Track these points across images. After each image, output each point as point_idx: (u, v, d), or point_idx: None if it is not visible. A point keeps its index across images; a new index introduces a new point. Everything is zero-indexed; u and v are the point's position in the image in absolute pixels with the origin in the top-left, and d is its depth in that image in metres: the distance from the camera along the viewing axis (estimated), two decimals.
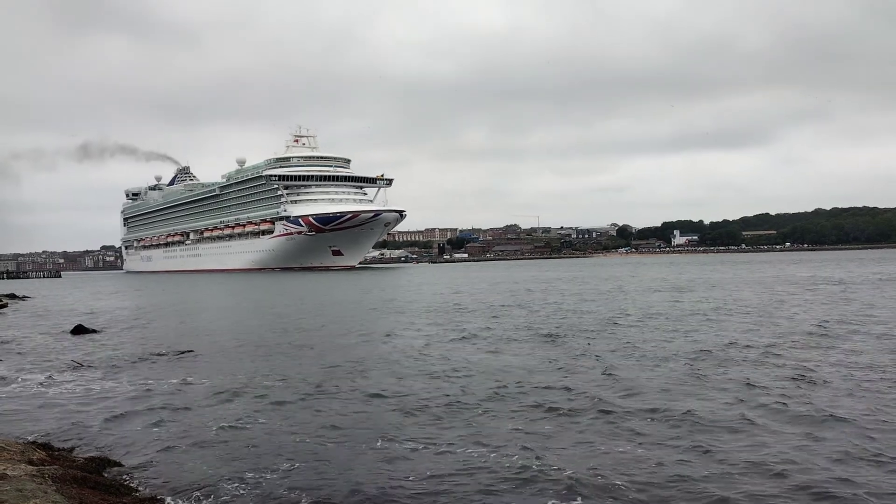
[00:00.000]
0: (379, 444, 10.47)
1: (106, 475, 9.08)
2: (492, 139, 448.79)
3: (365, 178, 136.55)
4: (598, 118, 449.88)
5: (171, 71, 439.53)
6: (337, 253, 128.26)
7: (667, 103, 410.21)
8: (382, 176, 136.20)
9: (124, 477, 9.21)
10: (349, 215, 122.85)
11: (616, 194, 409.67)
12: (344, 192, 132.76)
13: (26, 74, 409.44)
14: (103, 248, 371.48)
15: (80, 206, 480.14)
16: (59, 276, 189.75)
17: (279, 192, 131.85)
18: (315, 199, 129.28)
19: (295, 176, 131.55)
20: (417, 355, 19.10)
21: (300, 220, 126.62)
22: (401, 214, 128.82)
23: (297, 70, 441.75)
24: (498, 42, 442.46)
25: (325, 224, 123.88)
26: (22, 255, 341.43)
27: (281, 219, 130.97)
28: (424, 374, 16.16)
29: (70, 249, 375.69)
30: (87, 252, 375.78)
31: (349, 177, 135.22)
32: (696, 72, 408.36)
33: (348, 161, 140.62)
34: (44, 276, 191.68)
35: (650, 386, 14.01)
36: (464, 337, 22.94)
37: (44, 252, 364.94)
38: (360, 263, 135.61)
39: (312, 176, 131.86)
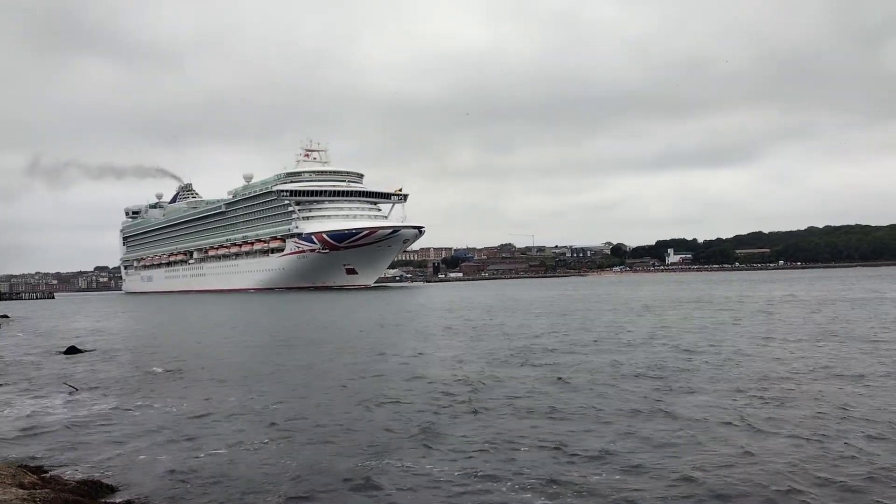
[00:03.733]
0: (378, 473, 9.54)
1: (99, 499, 8.51)
2: (479, 159, 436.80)
3: (379, 192, 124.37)
4: (583, 137, 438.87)
5: (156, 92, 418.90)
6: (351, 271, 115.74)
7: (649, 122, 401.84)
8: (400, 190, 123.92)
9: (117, 501, 8.64)
10: (366, 232, 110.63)
11: (607, 213, 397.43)
12: (358, 208, 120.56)
13: (9, 96, 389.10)
14: (97, 268, 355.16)
15: (73, 227, 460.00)
16: (53, 298, 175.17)
17: (290, 208, 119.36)
18: (328, 216, 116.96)
19: (307, 191, 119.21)
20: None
21: (313, 237, 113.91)
22: (419, 231, 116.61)
23: (280, 91, 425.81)
24: (479, 62, 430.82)
25: (340, 241, 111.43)
26: (15, 277, 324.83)
27: (292, 236, 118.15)
28: None
29: (63, 270, 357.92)
30: (80, 273, 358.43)
31: (363, 192, 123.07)
32: (676, 91, 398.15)
33: (361, 175, 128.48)
34: (37, 298, 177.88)
35: None
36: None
37: (37, 273, 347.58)
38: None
39: (325, 191, 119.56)
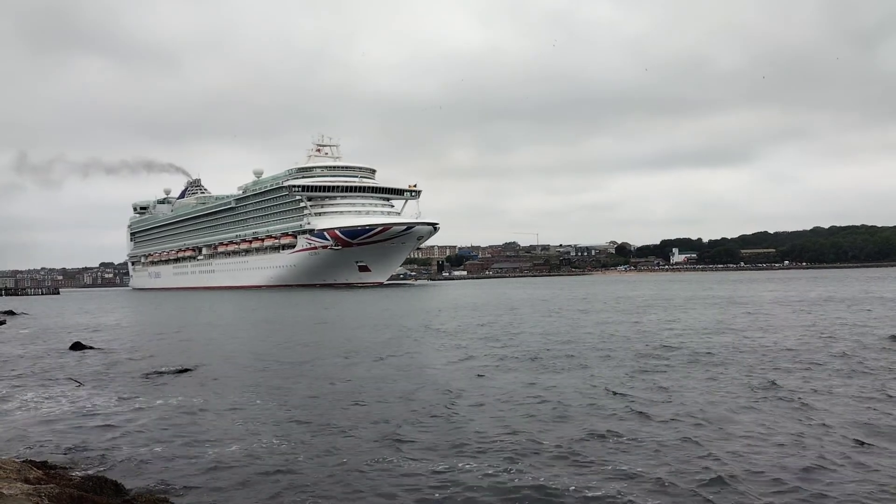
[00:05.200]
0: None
1: (103, 495, 8.21)
2: (479, 158, 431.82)
3: (392, 189, 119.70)
4: (581, 137, 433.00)
5: (154, 91, 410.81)
6: (364, 269, 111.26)
7: (648, 122, 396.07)
8: (415, 186, 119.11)
9: (122, 496, 8.42)
10: (379, 228, 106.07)
11: (608, 212, 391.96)
12: (371, 204, 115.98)
13: (6, 95, 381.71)
14: (102, 265, 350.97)
15: (79, 224, 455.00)
16: (58, 294, 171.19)
17: (302, 204, 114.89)
18: (341, 212, 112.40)
19: (319, 186, 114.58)
20: None
21: (325, 233, 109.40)
22: (434, 227, 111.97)
23: (278, 91, 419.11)
24: (477, 62, 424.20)
25: (353, 238, 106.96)
26: (21, 272, 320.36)
27: (304, 232, 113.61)
28: None
29: (69, 266, 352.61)
30: (85, 269, 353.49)
31: (376, 188, 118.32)
32: (673, 91, 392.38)
33: (373, 171, 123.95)
34: (42, 293, 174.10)
35: None
36: None
37: (42, 269, 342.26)
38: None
39: (337, 187, 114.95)
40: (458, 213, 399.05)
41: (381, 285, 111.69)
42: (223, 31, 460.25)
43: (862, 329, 25.78)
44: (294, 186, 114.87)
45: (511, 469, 9.25)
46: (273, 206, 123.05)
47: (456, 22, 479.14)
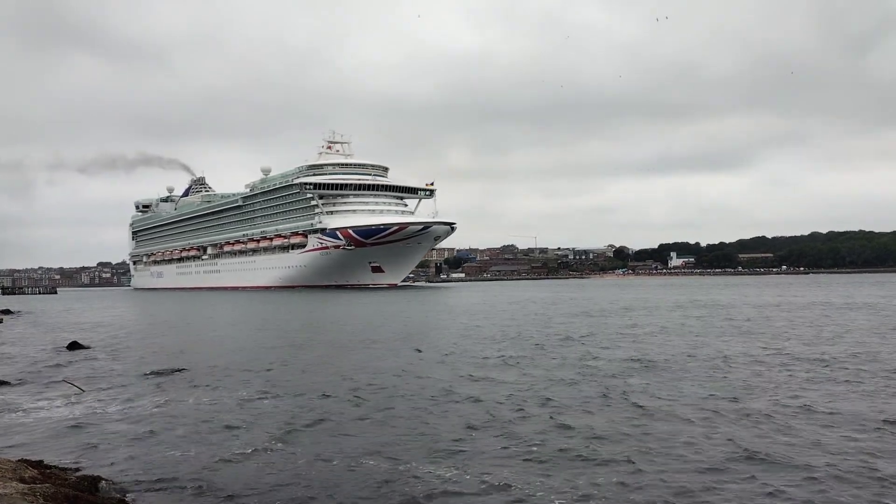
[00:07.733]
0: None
1: (99, 494, 8.06)
2: (476, 160, 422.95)
3: (406, 187, 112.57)
4: (578, 140, 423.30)
5: (149, 90, 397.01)
6: (377, 269, 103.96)
7: (643, 126, 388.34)
8: (431, 184, 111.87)
9: (117, 496, 8.19)
10: (395, 228, 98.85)
11: (606, 216, 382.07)
12: (384, 203, 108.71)
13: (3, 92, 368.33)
14: (100, 264, 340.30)
15: (77, 222, 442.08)
16: (55, 293, 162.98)
17: (313, 203, 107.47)
18: (353, 210, 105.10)
19: (331, 184, 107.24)
20: None
21: (338, 232, 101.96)
22: (451, 227, 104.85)
23: (274, 90, 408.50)
24: (471, 64, 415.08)
25: (367, 238, 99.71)
26: (18, 271, 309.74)
27: (315, 231, 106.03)
28: None
29: (66, 266, 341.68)
30: (83, 269, 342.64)
31: (389, 186, 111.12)
32: (668, 96, 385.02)
33: (386, 169, 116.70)
34: (40, 293, 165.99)
35: None
36: None
37: (40, 268, 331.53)
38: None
39: (349, 185, 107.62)
40: (456, 215, 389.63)
41: (394, 287, 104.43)
42: (218, 29, 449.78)
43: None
44: (305, 184, 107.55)
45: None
46: (283, 204, 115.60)
47: (453, 23, 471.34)
